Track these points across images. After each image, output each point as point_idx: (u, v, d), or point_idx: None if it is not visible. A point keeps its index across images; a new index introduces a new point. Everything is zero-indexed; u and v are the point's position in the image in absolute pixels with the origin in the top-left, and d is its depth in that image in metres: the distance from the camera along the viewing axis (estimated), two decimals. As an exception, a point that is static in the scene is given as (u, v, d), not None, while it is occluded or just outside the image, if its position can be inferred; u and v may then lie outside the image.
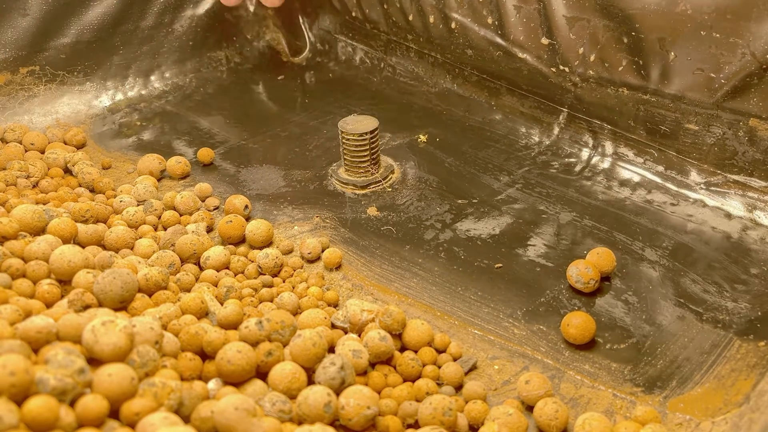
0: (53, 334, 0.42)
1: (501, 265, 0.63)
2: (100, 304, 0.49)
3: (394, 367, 0.50)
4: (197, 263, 0.61)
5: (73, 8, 0.89)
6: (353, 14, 0.98)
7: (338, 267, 0.62)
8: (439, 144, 0.82)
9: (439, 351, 0.53)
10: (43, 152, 0.78)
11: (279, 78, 1.02)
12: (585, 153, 0.78)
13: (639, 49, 0.69)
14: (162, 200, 0.69)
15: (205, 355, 0.48)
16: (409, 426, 0.46)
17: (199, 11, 1.00)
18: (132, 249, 0.61)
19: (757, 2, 0.59)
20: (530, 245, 0.65)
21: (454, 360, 0.52)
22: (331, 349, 0.51)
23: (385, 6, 0.92)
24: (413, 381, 0.50)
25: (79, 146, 0.82)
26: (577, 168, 0.76)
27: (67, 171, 0.76)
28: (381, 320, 0.51)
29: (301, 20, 1.07)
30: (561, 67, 0.77)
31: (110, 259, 0.55)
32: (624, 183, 0.73)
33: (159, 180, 0.76)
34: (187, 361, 0.46)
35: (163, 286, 0.54)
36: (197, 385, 0.44)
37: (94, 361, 0.41)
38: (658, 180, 0.72)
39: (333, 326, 0.54)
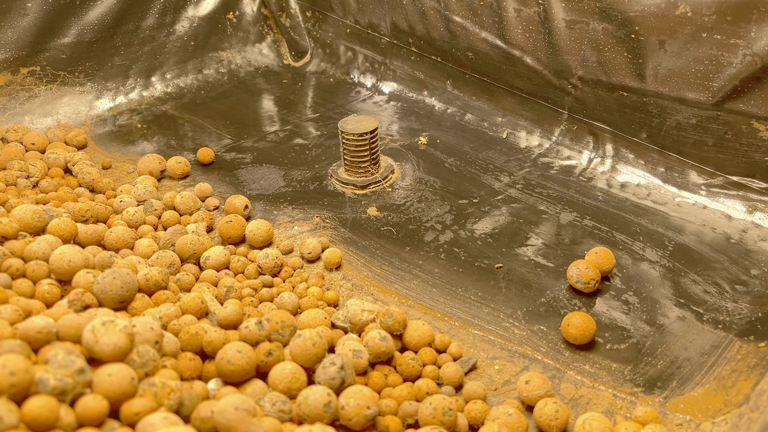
0: (53, 334, 0.42)
1: (501, 265, 0.63)
2: (100, 304, 0.49)
3: (394, 367, 0.50)
4: (197, 263, 0.61)
5: (74, 8, 0.89)
6: (355, 18, 0.98)
7: (338, 267, 0.62)
8: (440, 145, 0.83)
9: (440, 351, 0.53)
10: (43, 152, 0.78)
11: (283, 81, 1.02)
12: (585, 155, 0.78)
13: (639, 51, 0.69)
14: (162, 200, 0.69)
15: (205, 355, 0.48)
16: (409, 426, 0.46)
17: (201, 12, 1.01)
18: (132, 249, 0.61)
19: (758, 4, 0.59)
20: (531, 245, 0.65)
21: (455, 360, 0.52)
22: (331, 349, 0.51)
23: (387, 9, 0.92)
24: (413, 381, 0.50)
25: (80, 147, 0.82)
26: (578, 169, 0.76)
27: (67, 171, 0.76)
28: (382, 321, 0.51)
29: (303, 23, 1.07)
30: (561, 70, 0.77)
31: (110, 259, 0.55)
32: (624, 184, 0.73)
33: (159, 180, 0.76)
34: (187, 361, 0.46)
35: (163, 286, 0.54)
36: (197, 385, 0.44)
37: (94, 361, 0.41)
38: (658, 181, 0.72)
39: (333, 326, 0.54)
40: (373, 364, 0.50)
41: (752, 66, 0.61)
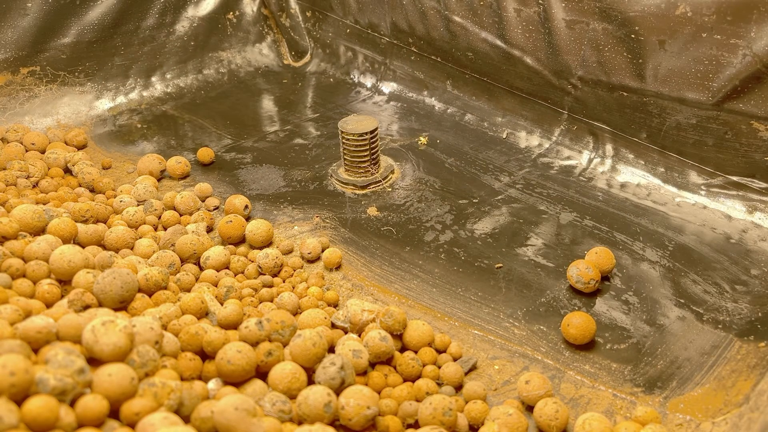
0: (53, 334, 0.42)
1: (501, 265, 0.63)
2: (100, 304, 0.49)
3: (394, 367, 0.50)
4: (197, 263, 0.61)
5: (74, 8, 0.89)
6: (355, 18, 0.98)
7: (338, 267, 0.62)
8: (440, 145, 0.83)
9: (440, 351, 0.53)
10: (43, 152, 0.78)
11: (283, 81, 1.02)
12: (585, 155, 0.78)
13: (639, 51, 0.69)
14: (162, 200, 0.69)
15: (205, 355, 0.48)
16: (409, 426, 0.46)
17: (201, 12, 1.01)
18: (132, 249, 0.61)
19: (758, 4, 0.59)
20: (530, 245, 0.65)
21: (455, 360, 0.52)
22: (331, 349, 0.51)
23: (387, 9, 0.92)
24: (413, 381, 0.50)
25: (80, 147, 0.82)
26: (578, 169, 0.76)
27: (67, 171, 0.76)
28: (382, 321, 0.51)
29: (303, 23, 1.07)
30: (561, 70, 0.77)
31: (110, 259, 0.55)
32: (624, 184, 0.73)
33: (159, 180, 0.76)
34: (187, 361, 0.46)
35: (163, 286, 0.54)
36: (197, 385, 0.44)
37: (94, 361, 0.41)
38: (658, 181, 0.72)
39: (333, 326, 0.54)
40: (373, 364, 0.50)
41: (752, 66, 0.61)
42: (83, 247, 0.57)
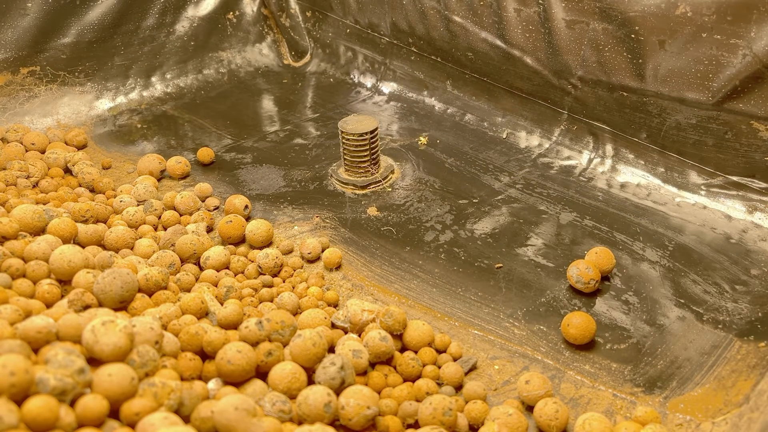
0: (53, 334, 0.42)
1: (501, 265, 0.63)
2: (100, 304, 0.49)
3: (394, 367, 0.50)
4: (197, 263, 0.61)
5: (74, 8, 0.89)
6: (355, 18, 0.98)
7: (338, 267, 0.62)
8: (440, 145, 0.83)
9: (440, 351, 0.53)
10: (43, 152, 0.78)
11: (283, 81, 1.02)
12: (585, 155, 0.78)
13: (639, 51, 0.69)
14: (162, 200, 0.69)
15: (205, 355, 0.48)
16: (409, 426, 0.46)
17: (201, 12, 1.01)
18: (132, 249, 0.61)
19: (758, 4, 0.59)
20: (530, 245, 0.65)
21: (455, 360, 0.52)
22: (331, 349, 0.51)
23: (387, 9, 0.92)
24: (413, 381, 0.50)
25: (80, 147, 0.82)
26: (578, 169, 0.76)
27: (67, 171, 0.76)
28: (382, 321, 0.51)
29: (303, 23, 1.07)
30: (561, 70, 0.77)
31: (110, 259, 0.55)
32: (624, 184, 0.73)
33: (159, 180, 0.76)
34: (187, 361, 0.46)
35: (163, 286, 0.54)
36: (197, 385, 0.44)
37: (94, 361, 0.41)
38: (658, 181, 0.72)
39: (333, 326, 0.54)
40: (373, 364, 0.50)
41: (752, 66, 0.61)
42: (83, 247, 0.57)
